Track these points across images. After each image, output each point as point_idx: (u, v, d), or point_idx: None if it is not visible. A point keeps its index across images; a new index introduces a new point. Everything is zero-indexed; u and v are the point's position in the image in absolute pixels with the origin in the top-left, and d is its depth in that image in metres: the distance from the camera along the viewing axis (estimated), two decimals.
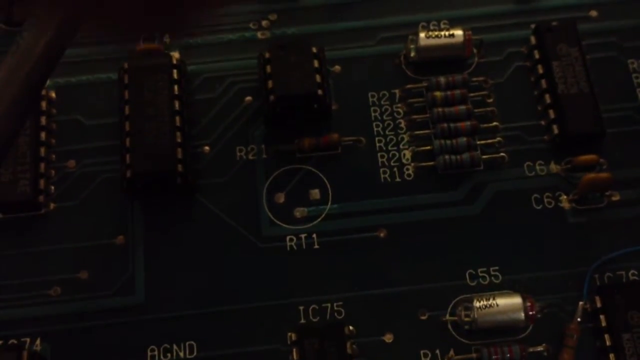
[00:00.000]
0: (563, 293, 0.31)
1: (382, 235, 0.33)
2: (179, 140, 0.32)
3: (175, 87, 0.33)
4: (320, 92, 0.33)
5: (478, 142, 0.34)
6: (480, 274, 0.32)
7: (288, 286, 0.32)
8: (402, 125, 0.35)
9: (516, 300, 0.30)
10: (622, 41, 0.36)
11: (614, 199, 0.33)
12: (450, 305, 0.31)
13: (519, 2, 0.37)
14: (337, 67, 0.36)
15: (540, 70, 0.35)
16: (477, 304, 0.30)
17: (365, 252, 0.32)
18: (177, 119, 0.32)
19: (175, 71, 0.34)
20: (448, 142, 0.34)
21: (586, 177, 0.32)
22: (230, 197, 0.33)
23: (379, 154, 0.34)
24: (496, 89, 0.35)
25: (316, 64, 0.34)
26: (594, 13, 0.37)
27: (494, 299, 0.30)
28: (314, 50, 0.34)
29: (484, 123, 0.34)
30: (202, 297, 0.32)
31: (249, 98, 0.35)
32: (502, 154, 0.34)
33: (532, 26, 0.36)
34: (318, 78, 0.34)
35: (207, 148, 0.34)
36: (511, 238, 0.32)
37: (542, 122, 0.34)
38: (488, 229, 0.33)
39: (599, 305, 0.31)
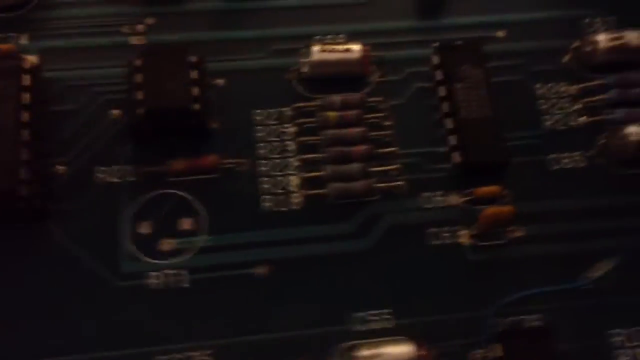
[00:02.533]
0: (461, 339, 0.28)
1: (263, 272, 0.29)
2: (24, 157, 0.27)
3: (25, 96, 0.28)
4: (196, 106, 0.29)
5: (373, 169, 0.31)
6: (371, 318, 0.29)
7: (150, 332, 0.27)
8: (291, 148, 0.31)
9: (408, 348, 0.27)
10: (529, 64, 0.34)
11: (517, 234, 0.31)
12: (335, 353, 0.28)
13: (423, 19, 0.35)
14: (220, 80, 0.32)
15: (442, 93, 0.32)
16: (363, 352, 0.27)
17: (243, 292, 0.28)
18: (25, 132, 0.28)
19: (27, 77, 0.29)
20: (340, 168, 0.31)
21: (486, 211, 0.29)
22: (86, 225, 0.28)
23: (262, 180, 0.30)
24: (395, 111, 0.32)
25: (195, 75, 0.30)
26: (501, 33, 0.35)
27: (382, 346, 0.27)
28: (193, 59, 0.31)
29: (380, 148, 0.31)
30: (48, 346, 0.27)
31: (116, 111, 0.31)
32: (399, 182, 0.31)
33: (436, 45, 0.34)
34: (195, 91, 0.30)
35: (61, 168, 0.30)
36: (406, 277, 0.29)
37: (443, 149, 0.32)
38: (381, 266, 0.29)
39: (500, 353, 0.28)
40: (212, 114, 0.31)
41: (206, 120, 0.30)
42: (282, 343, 0.28)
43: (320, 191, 0.30)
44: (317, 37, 0.33)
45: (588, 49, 0.34)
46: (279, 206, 0.30)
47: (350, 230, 0.30)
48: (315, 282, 0.29)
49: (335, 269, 0.29)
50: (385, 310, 0.29)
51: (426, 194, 0.31)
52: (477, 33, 0.34)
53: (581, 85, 0.33)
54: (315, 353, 0.28)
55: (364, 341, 0.27)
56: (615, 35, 0.33)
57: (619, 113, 0.33)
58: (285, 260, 0.29)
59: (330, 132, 0.31)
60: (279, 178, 0.30)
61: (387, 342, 0.27)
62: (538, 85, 0.34)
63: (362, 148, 0.31)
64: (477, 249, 0.30)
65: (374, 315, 0.29)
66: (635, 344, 0.29)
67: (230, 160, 0.30)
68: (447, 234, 0.30)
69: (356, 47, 0.32)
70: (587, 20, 0.35)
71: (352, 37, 0.33)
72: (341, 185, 0.30)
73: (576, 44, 0.34)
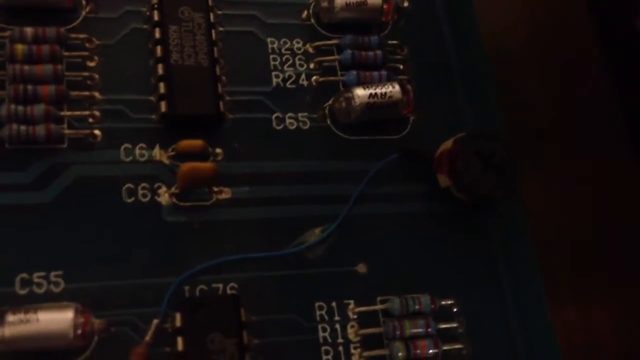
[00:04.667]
0: (141, 308, 0.25)
1: None
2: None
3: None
4: None
5: (66, 114, 0.27)
6: (37, 280, 0.25)
7: None
8: None
9: (65, 315, 0.23)
10: (265, 17, 0.32)
11: (223, 196, 0.28)
12: None
13: None
14: None
15: (157, 35, 0.29)
16: (10, 318, 0.23)
17: None
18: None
19: None
20: (21, 108, 0.27)
21: (184, 166, 0.26)
22: None
23: None
24: (103, 52, 0.28)
25: None
26: None
27: (35, 312, 0.23)
28: None
29: (77, 90, 0.27)
30: None
31: None
32: (95, 131, 0.27)
33: None
34: None
35: None
36: (87, 236, 0.25)
37: (153, 98, 0.29)
38: (59, 223, 0.26)
39: (179, 323, 0.25)
40: None
41: None
42: None
43: None
44: None
45: (325, 4, 0.31)
46: None
47: (27, 179, 0.26)
48: None
49: (5, 223, 0.25)
50: (55, 273, 0.25)
51: (126, 146, 0.27)
52: None
53: (316, 44, 0.31)
54: None
55: (17, 306, 0.24)
56: None
57: (351, 75, 0.31)
58: None
59: (16, 66, 0.27)
60: None
61: (43, 307, 0.23)
62: (271, 40, 0.31)
63: (50, 88, 0.27)
64: (177, 210, 0.27)
65: (41, 277, 0.25)
66: (337, 318, 0.27)
67: None
68: (144, 191, 0.27)
69: None
70: None
71: None
72: (19, 128, 0.26)
73: None
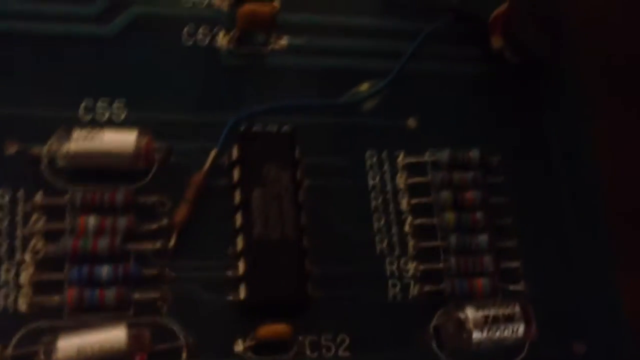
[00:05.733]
0: (199, 141, 0.26)
1: None
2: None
3: None
4: None
5: None
6: (100, 107, 0.26)
7: None
8: None
9: (129, 136, 0.24)
10: None
11: (281, 43, 0.28)
12: (51, 139, 0.24)
13: None
14: None
15: None
16: (76, 134, 0.24)
17: None
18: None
19: None
20: None
21: (244, 7, 0.27)
22: None
23: None
24: None
25: None
26: None
27: (100, 131, 0.24)
28: None
29: None
30: None
31: None
32: None
33: None
34: None
35: None
36: (149, 71, 0.26)
37: None
38: (122, 56, 0.26)
39: (235, 156, 0.26)
40: None
41: None
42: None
43: None
44: None
45: None
46: None
47: (92, 12, 0.27)
48: (42, 62, 0.26)
49: (71, 51, 0.26)
50: (118, 103, 0.26)
51: None
52: None
53: None
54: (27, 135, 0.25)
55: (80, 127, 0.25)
56: None
57: None
58: (18, 36, 0.26)
59: None
60: None
61: (109, 129, 0.24)
62: None
63: None
64: (235, 54, 0.28)
65: (105, 105, 0.26)
66: (386, 167, 0.28)
67: None
68: (204, 34, 0.28)
69: None
70: None
71: None
72: None
73: None
